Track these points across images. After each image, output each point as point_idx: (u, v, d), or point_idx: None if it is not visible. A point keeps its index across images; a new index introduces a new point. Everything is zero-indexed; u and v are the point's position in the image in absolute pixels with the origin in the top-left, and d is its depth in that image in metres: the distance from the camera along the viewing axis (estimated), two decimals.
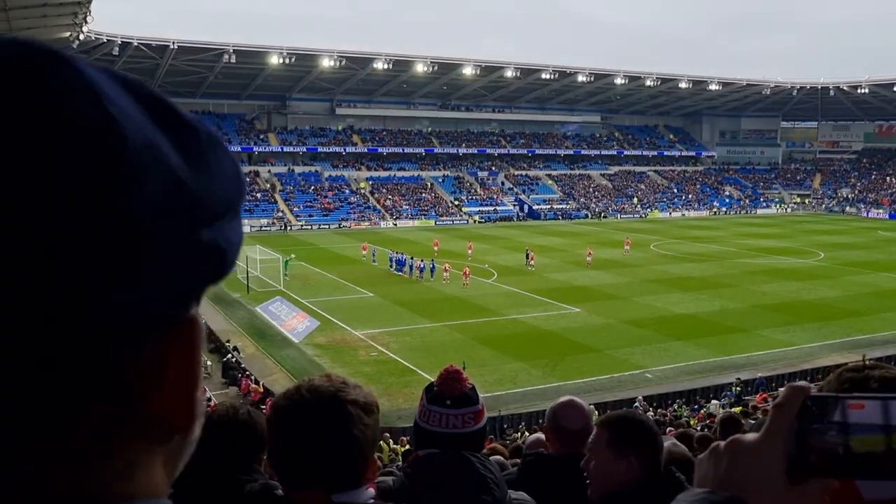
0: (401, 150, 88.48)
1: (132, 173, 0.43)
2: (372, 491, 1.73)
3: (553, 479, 2.42)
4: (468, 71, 79.66)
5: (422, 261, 43.02)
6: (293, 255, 44.80)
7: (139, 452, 0.50)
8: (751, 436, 0.79)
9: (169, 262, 0.46)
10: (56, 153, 0.41)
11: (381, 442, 17.95)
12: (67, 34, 48.23)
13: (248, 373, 26.05)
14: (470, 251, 49.17)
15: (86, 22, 45.28)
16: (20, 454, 0.44)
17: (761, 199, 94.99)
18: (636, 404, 21.27)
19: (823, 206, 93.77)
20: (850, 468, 0.73)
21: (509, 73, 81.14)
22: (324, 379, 1.73)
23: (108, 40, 60.21)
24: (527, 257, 46.59)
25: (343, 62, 73.97)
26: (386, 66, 75.88)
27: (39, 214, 0.41)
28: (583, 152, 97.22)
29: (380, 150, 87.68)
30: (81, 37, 51.14)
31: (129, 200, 0.43)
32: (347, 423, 1.64)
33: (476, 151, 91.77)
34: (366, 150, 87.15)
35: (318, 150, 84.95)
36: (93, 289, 0.43)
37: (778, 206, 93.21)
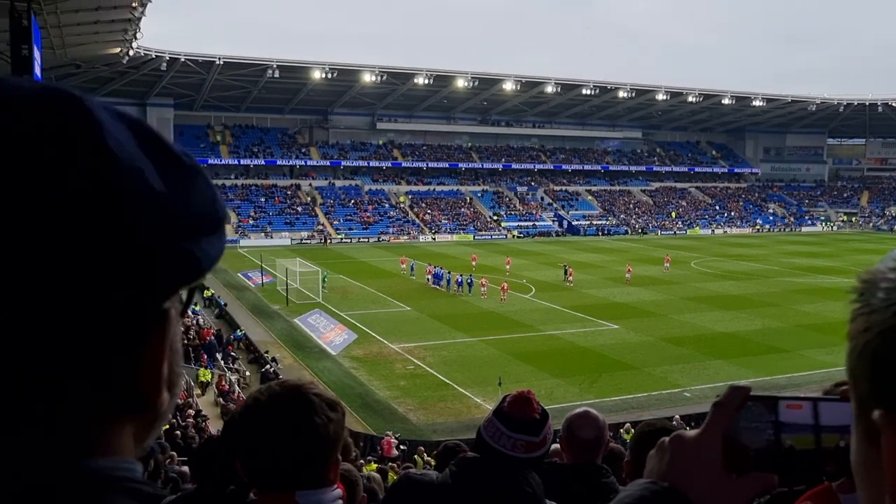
0: (440, 165, 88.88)
1: (119, 188, 0.54)
2: (339, 492, 1.76)
3: (565, 489, 2.47)
4: (509, 86, 79.82)
5: (460, 275, 43.09)
6: (327, 273, 45.06)
7: (111, 422, 0.60)
8: (692, 432, 0.84)
9: (147, 261, 0.56)
10: (59, 171, 0.53)
11: (416, 456, 17.98)
12: (118, 50, 49.56)
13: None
14: (508, 266, 49.11)
15: (135, 38, 46.45)
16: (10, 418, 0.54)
17: (806, 217, 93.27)
18: (673, 423, 20.99)
19: (871, 224, 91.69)
20: (784, 464, 0.77)
21: (550, 89, 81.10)
22: (285, 380, 1.82)
23: (156, 56, 61.73)
24: (565, 273, 46.41)
25: (384, 77, 74.70)
26: (427, 82, 76.44)
27: (39, 220, 0.51)
28: (623, 168, 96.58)
29: (420, 164, 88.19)
30: (131, 52, 52.49)
31: (116, 210, 0.54)
32: (310, 411, 1.67)
33: (516, 166, 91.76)
34: (406, 164, 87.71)
35: (359, 164, 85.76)
36: (81, 277, 0.53)
37: (824, 224, 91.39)
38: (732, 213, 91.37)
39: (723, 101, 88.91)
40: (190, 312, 34.86)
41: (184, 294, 0.65)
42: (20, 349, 0.52)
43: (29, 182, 0.51)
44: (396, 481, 2.52)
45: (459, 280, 42.53)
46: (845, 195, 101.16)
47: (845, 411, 0.73)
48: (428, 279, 44.92)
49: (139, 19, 39.60)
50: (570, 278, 45.52)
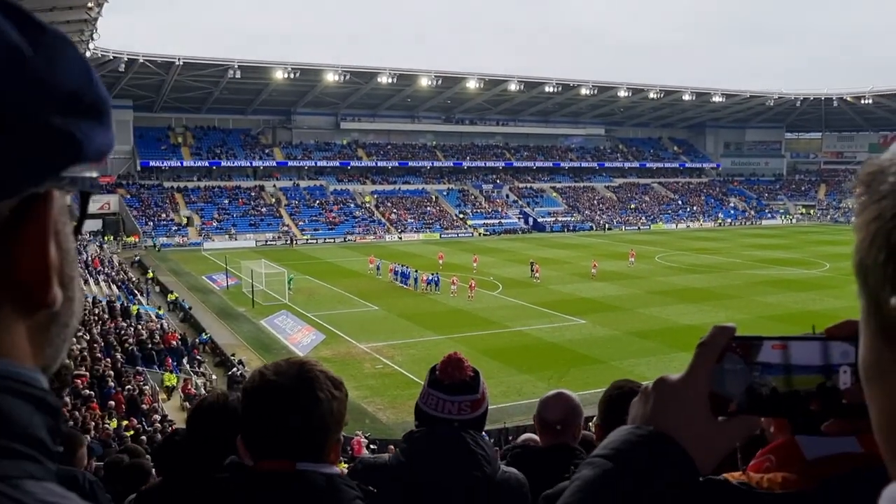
0: (405, 164, 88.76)
1: None
2: (338, 469, 1.78)
3: (536, 471, 2.47)
4: (472, 84, 80.00)
5: (430, 274, 43.07)
6: (293, 276, 44.68)
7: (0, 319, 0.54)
8: (676, 375, 0.82)
9: (10, 132, 0.50)
10: None
11: (387, 455, 17.93)
12: None
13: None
14: (475, 264, 49.21)
15: (92, 39, 45.65)
16: None
17: (766, 211, 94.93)
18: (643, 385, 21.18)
19: (829, 216, 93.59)
20: (768, 406, 0.76)
21: (513, 87, 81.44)
22: (292, 357, 1.87)
23: (114, 57, 60.74)
24: (531, 270, 46.63)
25: (347, 77, 74.38)
26: (390, 81, 76.27)
27: None
28: (587, 165, 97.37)
29: (384, 163, 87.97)
30: (88, 53, 51.55)
31: None
32: (314, 385, 1.72)
33: (480, 164, 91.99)
34: (370, 163, 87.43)
35: (323, 164, 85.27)
36: None
37: (783, 217, 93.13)
38: (695, 208, 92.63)
39: (683, 98, 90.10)
40: (154, 317, 34.39)
41: (76, 199, 0.59)
42: None
43: None
44: (350, 468, 2.52)
45: (428, 279, 42.51)
46: (803, 188, 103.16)
47: (832, 350, 0.72)
48: (392, 277, 44.84)
49: (95, 20, 38.96)
50: (537, 275, 45.74)
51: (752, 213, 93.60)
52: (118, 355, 25.66)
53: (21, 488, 0.49)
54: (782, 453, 0.92)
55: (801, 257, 55.77)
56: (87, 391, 18.99)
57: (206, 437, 2.40)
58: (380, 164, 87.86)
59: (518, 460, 2.94)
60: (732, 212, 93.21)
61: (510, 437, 21.65)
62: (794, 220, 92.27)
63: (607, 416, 2.70)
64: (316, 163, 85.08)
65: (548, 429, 2.98)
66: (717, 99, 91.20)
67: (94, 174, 0.58)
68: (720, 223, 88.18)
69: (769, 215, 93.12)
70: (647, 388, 0.84)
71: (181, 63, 65.82)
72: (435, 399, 2.35)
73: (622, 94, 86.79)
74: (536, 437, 3.31)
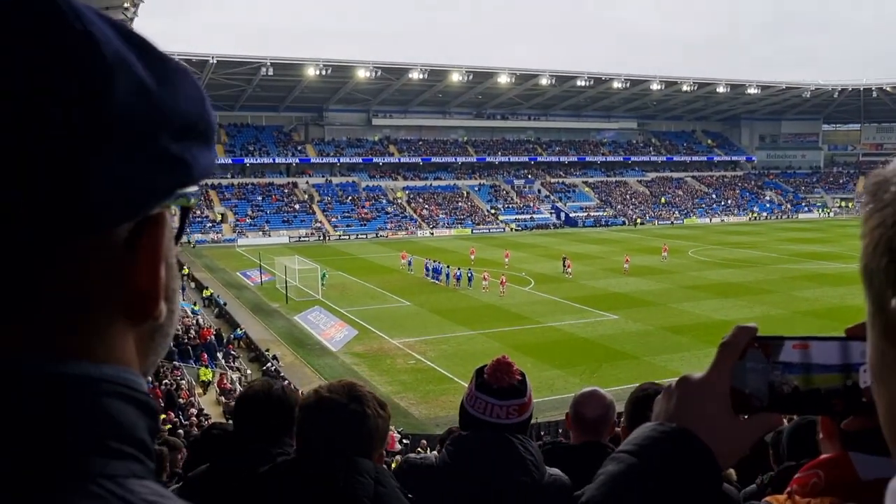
0: (437, 160, 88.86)
1: (104, 75, 0.51)
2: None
3: (568, 468, 2.50)
4: (503, 79, 79.77)
5: (458, 269, 43.13)
6: (327, 272, 45.07)
7: (111, 328, 0.58)
8: (699, 373, 0.84)
9: (143, 159, 0.54)
10: (38, 53, 0.50)
11: (419, 449, 18.05)
12: None
13: (286, 381, 26.37)
14: (507, 259, 49.13)
15: None
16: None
17: (803, 204, 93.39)
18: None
19: None
20: (790, 405, 0.78)
21: (544, 81, 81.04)
22: (341, 380, 2.10)
23: None
24: (563, 265, 46.46)
25: (379, 73, 74.64)
26: (421, 77, 76.36)
27: (21, 103, 0.49)
28: (619, 159, 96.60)
29: (416, 159, 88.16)
30: None
31: (100, 97, 0.51)
32: (363, 402, 1.95)
33: (512, 160, 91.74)
34: (402, 160, 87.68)
35: (355, 160, 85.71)
36: (65, 174, 0.50)
37: (820, 210, 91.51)
38: (729, 202, 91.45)
39: (717, 90, 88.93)
40: (189, 312, 34.93)
41: (177, 214, 0.63)
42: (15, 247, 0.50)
43: (13, 75, 0.49)
44: (397, 467, 2.55)
45: (458, 274, 42.59)
46: (841, 181, 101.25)
47: (852, 350, 0.73)
48: (425, 273, 44.97)
49: (132, 20, 39.54)
50: (569, 270, 45.57)
51: (789, 206, 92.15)
52: None
53: (127, 487, 0.52)
54: (833, 470, 0.89)
55: (838, 251, 54.72)
56: None
57: (252, 425, 2.56)
58: (411, 159, 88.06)
59: (550, 457, 2.96)
60: (768, 205, 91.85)
61: (542, 433, 21.65)
62: (831, 214, 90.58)
63: (633, 418, 2.74)
64: (348, 159, 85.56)
65: (582, 426, 3.01)
66: (752, 91, 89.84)
67: (195, 189, 0.62)
68: (755, 217, 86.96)
69: (806, 209, 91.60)
70: (671, 386, 0.87)
71: (215, 61, 66.60)
72: (483, 403, 2.36)
73: (655, 87, 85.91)
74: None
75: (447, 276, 43.17)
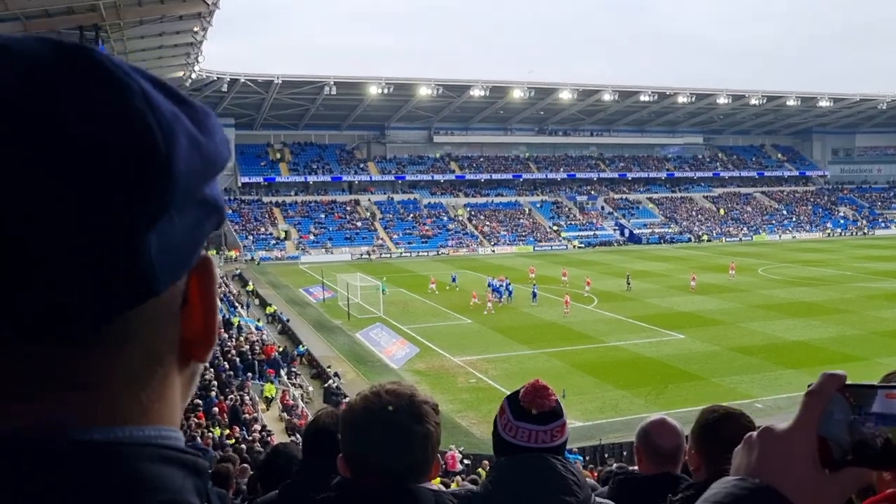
0: (498, 177, 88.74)
1: (169, 136, 0.52)
2: (435, 487, 1.87)
3: (643, 500, 2.34)
4: (565, 95, 79.32)
5: (498, 281, 43.74)
6: (385, 278, 45.38)
7: (160, 384, 0.59)
8: (783, 424, 0.78)
9: (191, 211, 0.56)
10: (102, 127, 0.50)
11: (480, 469, 17.79)
12: (181, 73, 50.98)
13: (348, 398, 26.41)
14: (564, 278, 48.40)
15: (197, 62, 47.74)
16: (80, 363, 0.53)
17: (880, 220, 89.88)
18: (738, 409, 20.28)
19: None
20: (881, 458, 0.72)
21: (607, 97, 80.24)
22: (395, 384, 1.88)
23: (217, 78, 63.39)
24: (627, 283, 45.79)
25: (440, 90, 75.07)
26: (482, 93, 76.51)
27: (101, 167, 0.49)
28: (685, 174, 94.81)
29: (477, 176, 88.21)
30: (193, 75, 53.95)
31: (166, 166, 0.52)
32: (424, 420, 1.79)
33: (575, 176, 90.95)
34: (463, 176, 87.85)
35: (417, 177, 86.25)
36: (128, 245, 0.51)
37: None
38: (801, 218, 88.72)
39: (787, 103, 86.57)
40: (254, 329, 35.46)
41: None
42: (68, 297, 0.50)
43: (86, 157, 0.48)
44: None
45: (495, 287, 42.98)
46: None
47: None
48: (490, 293, 43.48)
49: (201, 43, 40.68)
50: (630, 285, 45.19)
51: (864, 222, 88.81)
52: (224, 364, 26.54)
53: None
54: None
55: None
56: (196, 400, 19.66)
57: (320, 455, 2.58)
58: (473, 176, 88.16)
59: (622, 487, 2.92)
60: (842, 221, 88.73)
61: (605, 455, 21.13)
62: None
63: (703, 443, 2.59)
64: (410, 176, 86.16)
65: (657, 457, 2.88)
66: (824, 103, 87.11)
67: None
68: (829, 234, 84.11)
69: (883, 225, 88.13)
70: (752, 437, 0.81)
71: (280, 82, 68.05)
72: (526, 432, 2.29)
73: (721, 100, 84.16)
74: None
75: (510, 293, 42.84)
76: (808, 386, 0.77)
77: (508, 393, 2.43)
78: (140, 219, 0.51)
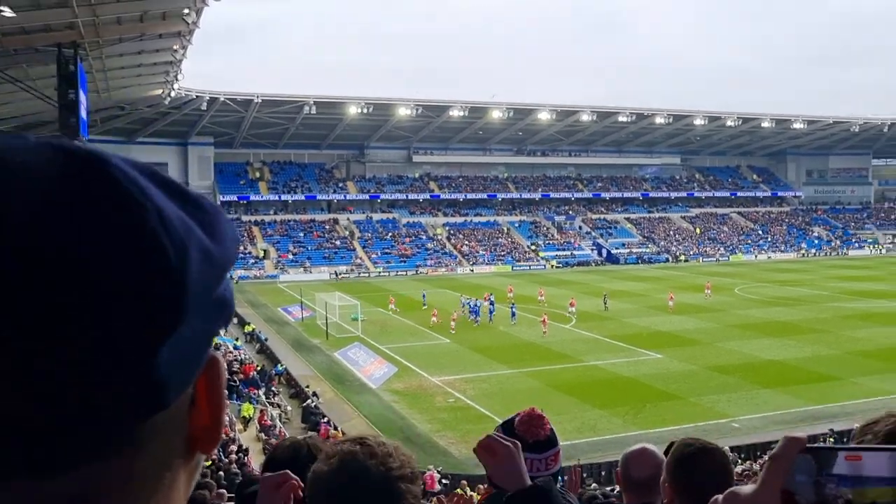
0: (477, 196, 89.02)
1: (183, 254, 0.52)
2: None
3: None
4: (544, 116, 79.93)
5: (474, 302, 44.02)
6: (358, 304, 45.30)
7: (177, 478, 0.59)
8: (748, 487, 0.79)
9: (201, 316, 0.55)
10: (123, 246, 0.50)
11: (459, 490, 17.69)
12: (160, 91, 50.74)
13: (326, 418, 26.25)
14: (541, 297, 48.56)
15: (176, 80, 47.56)
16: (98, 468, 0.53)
17: (853, 240, 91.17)
18: (713, 444, 20.34)
19: None
20: None
21: (585, 117, 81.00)
22: (366, 451, 1.63)
23: (197, 96, 63.17)
24: (604, 302, 45.98)
25: (419, 110, 75.36)
26: (462, 114, 76.92)
27: (119, 288, 0.49)
28: (662, 195, 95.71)
29: (456, 196, 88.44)
30: (172, 94, 53.73)
31: (183, 275, 0.52)
32: (402, 501, 1.59)
33: (553, 196, 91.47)
34: (442, 196, 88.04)
35: (396, 197, 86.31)
36: (149, 351, 0.51)
37: (871, 246, 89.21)
38: (776, 238, 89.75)
39: (762, 125, 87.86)
40: (232, 348, 35.14)
41: None
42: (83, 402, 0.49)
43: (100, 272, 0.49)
44: None
45: (472, 307, 43.52)
46: (893, 216, 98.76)
47: None
48: (463, 310, 44.34)
49: (180, 61, 40.55)
50: (607, 305, 45.34)
51: (838, 242, 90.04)
52: None
53: None
54: None
55: (891, 289, 53.14)
56: None
57: None
58: (451, 196, 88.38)
59: None
60: (816, 242, 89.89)
61: (584, 475, 21.10)
62: (883, 251, 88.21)
63: (676, 477, 2.58)
64: (389, 196, 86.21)
65: (633, 487, 2.87)
66: (798, 125, 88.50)
67: None
68: (803, 254, 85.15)
69: (856, 245, 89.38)
70: (717, 500, 0.82)
71: (259, 100, 67.97)
72: (527, 462, 2.20)
73: (698, 122, 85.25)
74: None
75: (490, 312, 43.00)
76: (769, 450, 0.80)
77: (501, 421, 2.41)
78: (151, 338, 0.51)
